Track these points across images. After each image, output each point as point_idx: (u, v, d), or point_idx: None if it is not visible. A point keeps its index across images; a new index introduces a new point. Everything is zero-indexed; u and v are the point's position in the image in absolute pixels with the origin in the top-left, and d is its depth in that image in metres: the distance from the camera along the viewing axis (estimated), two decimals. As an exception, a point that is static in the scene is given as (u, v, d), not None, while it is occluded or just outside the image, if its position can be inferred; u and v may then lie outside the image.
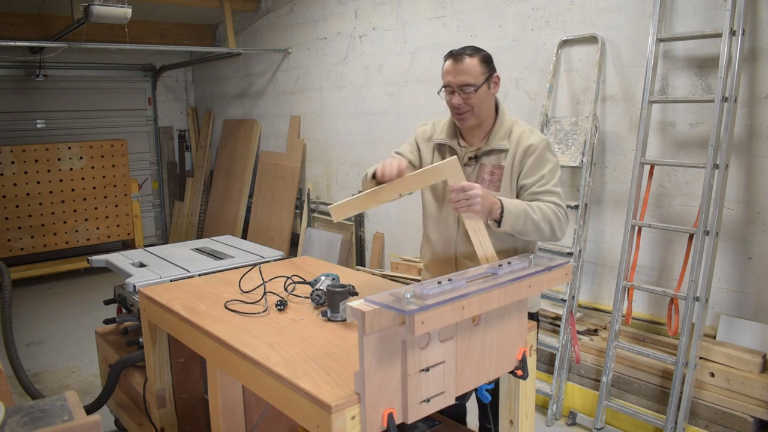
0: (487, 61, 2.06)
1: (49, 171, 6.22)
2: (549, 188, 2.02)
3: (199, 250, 3.24)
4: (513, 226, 1.90)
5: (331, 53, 5.47)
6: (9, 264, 4.27)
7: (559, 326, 3.39)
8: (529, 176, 2.05)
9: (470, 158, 2.12)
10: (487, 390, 1.78)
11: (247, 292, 2.28)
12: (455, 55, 2.05)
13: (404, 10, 4.65)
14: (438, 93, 2.12)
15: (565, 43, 3.55)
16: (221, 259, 3.02)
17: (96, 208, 6.55)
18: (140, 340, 2.64)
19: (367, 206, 2.00)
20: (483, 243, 1.90)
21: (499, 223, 1.90)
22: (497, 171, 2.08)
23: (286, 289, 2.29)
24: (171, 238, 7.76)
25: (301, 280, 2.36)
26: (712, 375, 2.82)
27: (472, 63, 2.02)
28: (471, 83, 2.01)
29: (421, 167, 2.17)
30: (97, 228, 6.58)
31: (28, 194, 6.12)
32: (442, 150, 2.20)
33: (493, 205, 1.87)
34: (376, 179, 1.97)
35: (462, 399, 1.74)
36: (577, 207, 3.35)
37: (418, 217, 2.34)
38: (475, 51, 2.05)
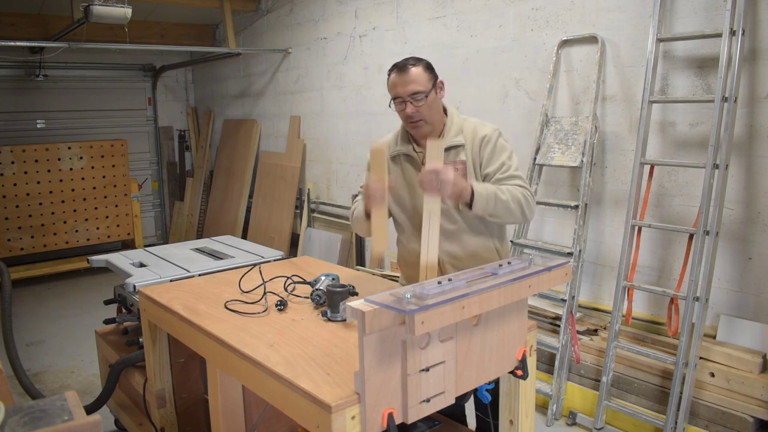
0: (430, 68, 2.13)
1: (49, 171, 6.22)
2: (512, 173, 2.10)
3: (199, 250, 3.24)
4: (484, 208, 1.96)
5: (331, 53, 5.47)
6: (9, 264, 4.26)
7: (559, 326, 3.39)
8: (490, 165, 2.12)
9: None
10: (487, 390, 1.78)
11: (247, 292, 2.28)
12: (400, 67, 2.11)
13: (404, 10, 4.65)
14: (389, 106, 2.17)
15: (565, 43, 3.55)
16: (221, 259, 3.02)
17: (96, 208, 6.55)
18: (140, 340, 2.64)
19: (386, 221, 2.06)
20: (431, 231, 1.94)
21: (470, 206, 1.95)
22: (460, 166, 2.12)
23: (286, 289, 2.29)
24: (171, 238, 7.76)
25: (301, 280, 2.36)
26: (712, 375, 2.82)
27: (417, 71, 2.08)
28: (420, 90, 2.07)
29: None
30: (97, 228, 6.58)
31: (28, 194, 6.12)
32: (398, 161, 2.23)
33: (464, 189, 1.93)
34: (367, 210, 2.06)
35: (461, 399, 1.74)
36: (577, 207, 3.35)
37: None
38: (417, 60, 2.12)
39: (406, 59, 2.14)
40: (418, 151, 2.19)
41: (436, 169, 1.87)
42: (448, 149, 2.13)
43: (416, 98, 2.07)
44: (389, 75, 2.14)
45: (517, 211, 2.02)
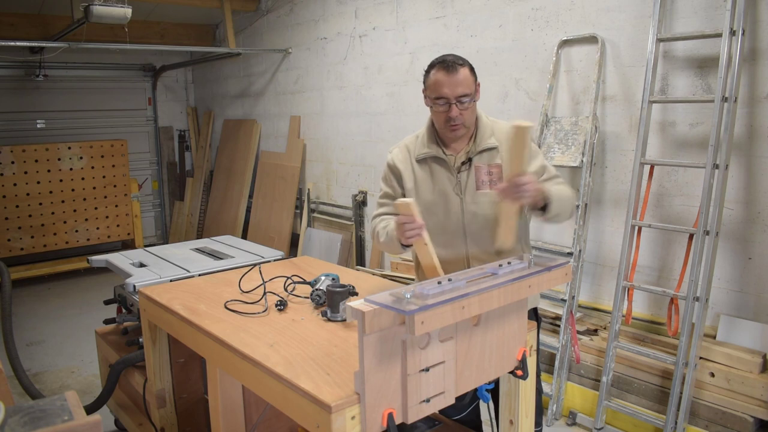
0: (473, 70, 2.06)
1: (49, 171, 6.22)
2: (553, 174, 2.12)
3: (199, 250, 3.24)
4: (556, 210, 1.95)
5: (331, 53, 5.47)
6: (9, 264, 4.27)
7: (559, 326, 3.39)
8: (529, 168, 2.06)
9: (462, 163, 2.09)
10: (487, 390, 1.78)
11: (247, 292, 2.28)
12: (448, 66, 1.99)
13: (404, 10, 4.65)
14: (429, 106, 2.07)
15: (565, 43, 3.54)
16: (221, 259, 3.02)
17: (96, 208, 6.55)
18: (140, 340, 2.64)
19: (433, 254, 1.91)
20: (509, 226, 1.90)
21: (543, 209, 1.93)
22: (495, 170, 2.07)
23: (286, 289, 2.29)
24: (171, 238, 7.76)
25: (301, 280, 2.36)
26: (712, 375, 2.82)
27: (465, 73, 2.00)
28: (468, 93, 2.00)
29: (403, 196, 2.13)
30: (97, 228, 6.58)
31: (28, 194, 6.12)
32: (426, 163, 2.13)
33: (540, 193, 1.88)
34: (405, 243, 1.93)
35: (461, 399, 1.74)
36: (577, 207, 3.35)
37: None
38: (463, 60, 2.03)
39: (452, 57, 2.02)
40: (449, 153, 2.10)
41: (522, 182, 1.77)
42: (482, 152, 2.08)
43: (463, 101, 1.99)
44: (429, 71, 2.03)
45: (571, 209, 2.06)
